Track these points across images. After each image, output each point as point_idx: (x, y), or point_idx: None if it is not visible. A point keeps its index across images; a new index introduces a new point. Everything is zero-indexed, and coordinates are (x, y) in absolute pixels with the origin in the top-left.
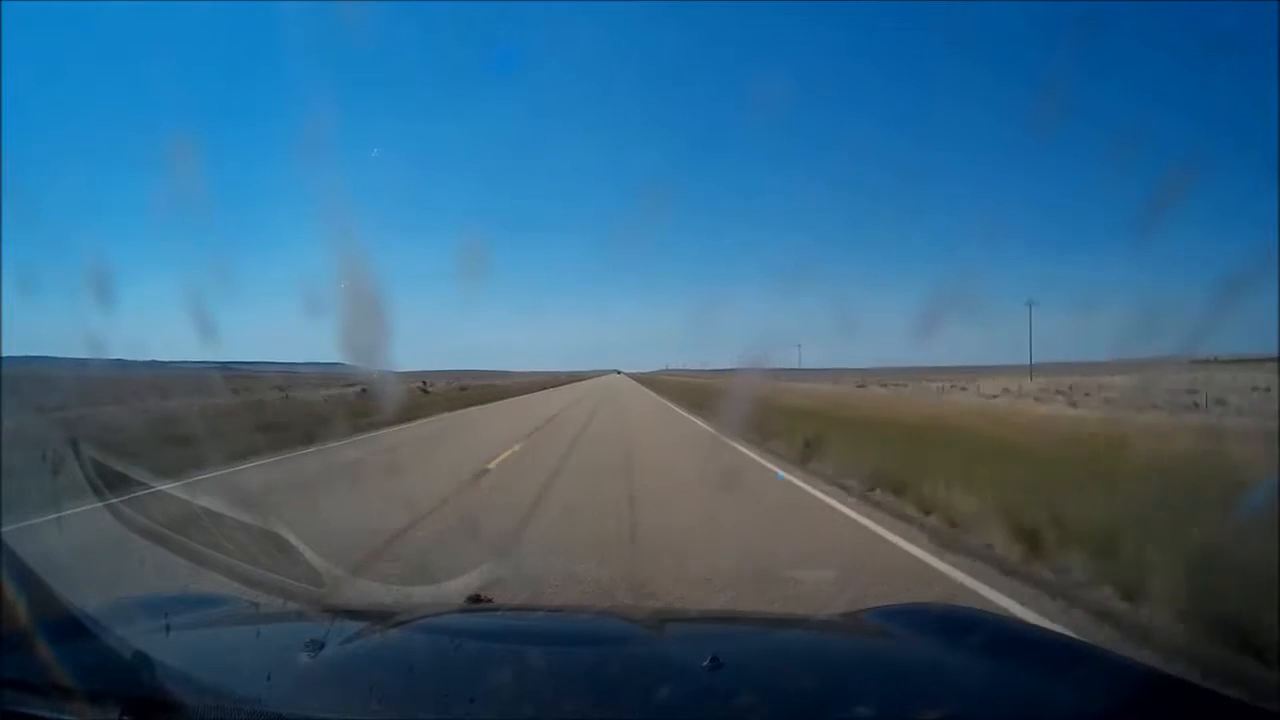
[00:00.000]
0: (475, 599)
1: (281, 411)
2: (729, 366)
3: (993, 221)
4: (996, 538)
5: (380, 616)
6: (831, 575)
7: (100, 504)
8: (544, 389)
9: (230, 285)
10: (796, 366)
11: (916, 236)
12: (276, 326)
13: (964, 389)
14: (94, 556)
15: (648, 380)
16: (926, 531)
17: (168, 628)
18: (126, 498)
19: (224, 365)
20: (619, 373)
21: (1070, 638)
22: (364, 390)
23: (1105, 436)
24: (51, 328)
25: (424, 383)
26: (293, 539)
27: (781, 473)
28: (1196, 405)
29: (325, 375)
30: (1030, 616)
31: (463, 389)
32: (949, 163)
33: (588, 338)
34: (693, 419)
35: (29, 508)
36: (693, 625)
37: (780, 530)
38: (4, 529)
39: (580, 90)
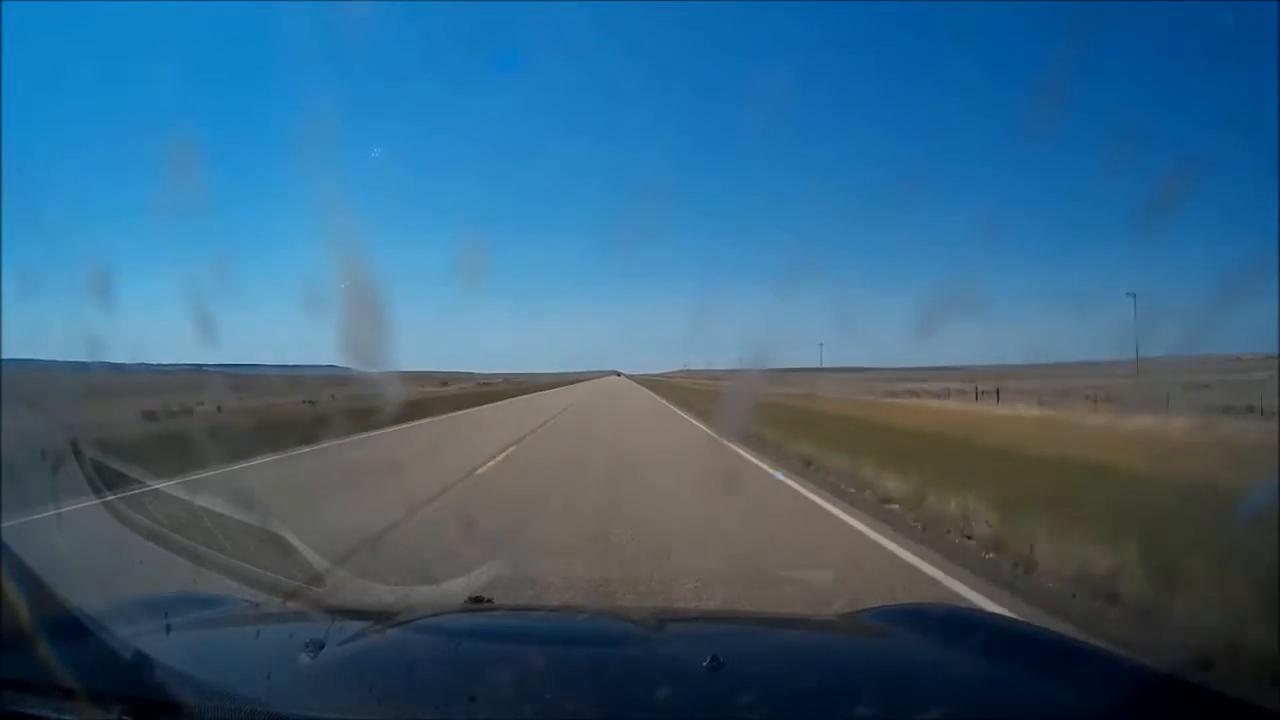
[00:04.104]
0: (475, 599)
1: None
2: (750, 368)
3: (992, 221)
4: None
5: (380, 616)
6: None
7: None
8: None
9: (229, 286)
10: (815, 366)
11: (915, 236)
12: (274, 329)
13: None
14: (94, 555)
15: (664, 386)
16: None
17: (168, 628)
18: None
19: (222, 367)
20: (618, 374)
21: (1070, 638)
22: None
23: None
24: (51, 329)
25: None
26: (292, 538)
27: None
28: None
29: (323, 377)
30: None
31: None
32: (949, 162)
33: (590, 339)
34: None
35: (33, 505)
36: (693, 625)
37: None
38: (4, 526)
39: (581, 89)
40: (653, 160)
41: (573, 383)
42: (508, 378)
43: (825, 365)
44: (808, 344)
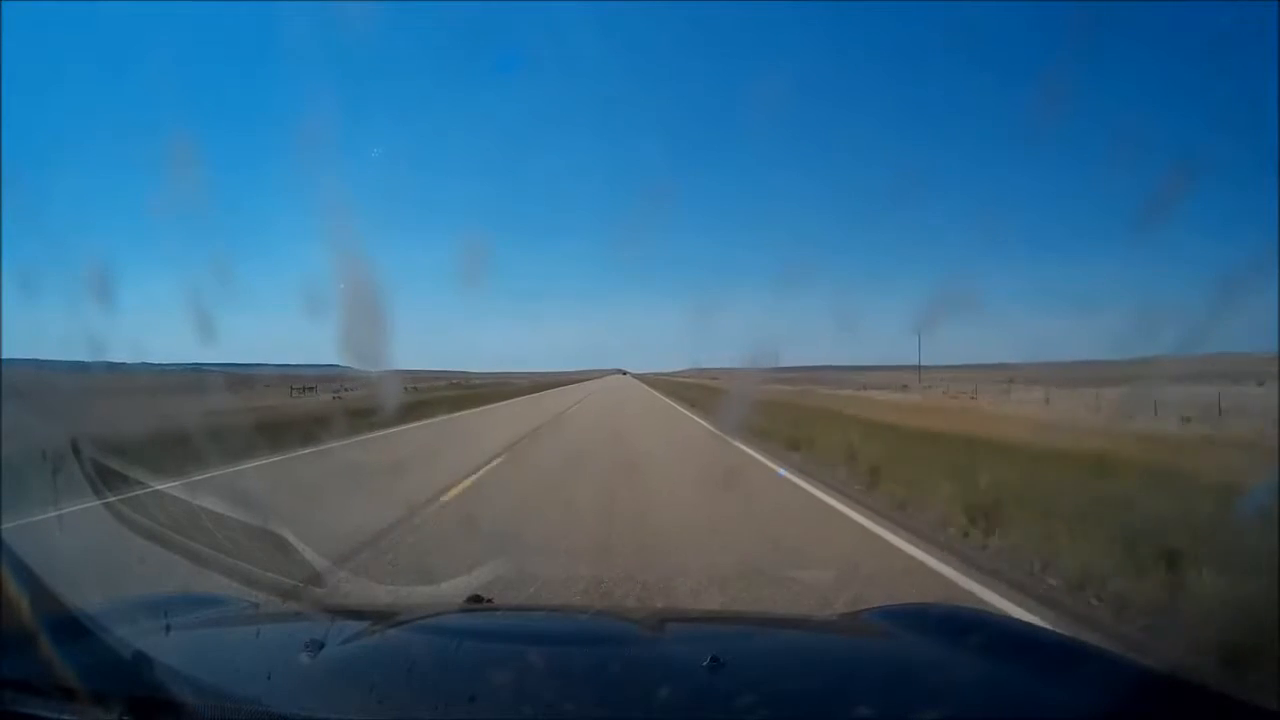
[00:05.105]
0: (475, 599)
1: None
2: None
3: (993, 221)
4: None
5: (380, 616)
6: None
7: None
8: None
9: (228, 286)
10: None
11: (918, 235)
12: (273, 328)
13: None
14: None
15: (688, 390)
16: None
17: (168, 628)
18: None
19: (222, 367)
20: (624, 373)
21: (1070, 638)
22: None
23: None
24: (52, 329)
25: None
26: (291, 538)
27: None
28: None
29: (324, 377)
30: None
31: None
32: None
33: (594, 337)
34: None
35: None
36: (693, 625)
37: None
38: (4, 527)
39: (584, 88)
40: (657, 157)
41: (570, 383)
42: (460, 378)
43: (814, 365)
44: (821, 341)
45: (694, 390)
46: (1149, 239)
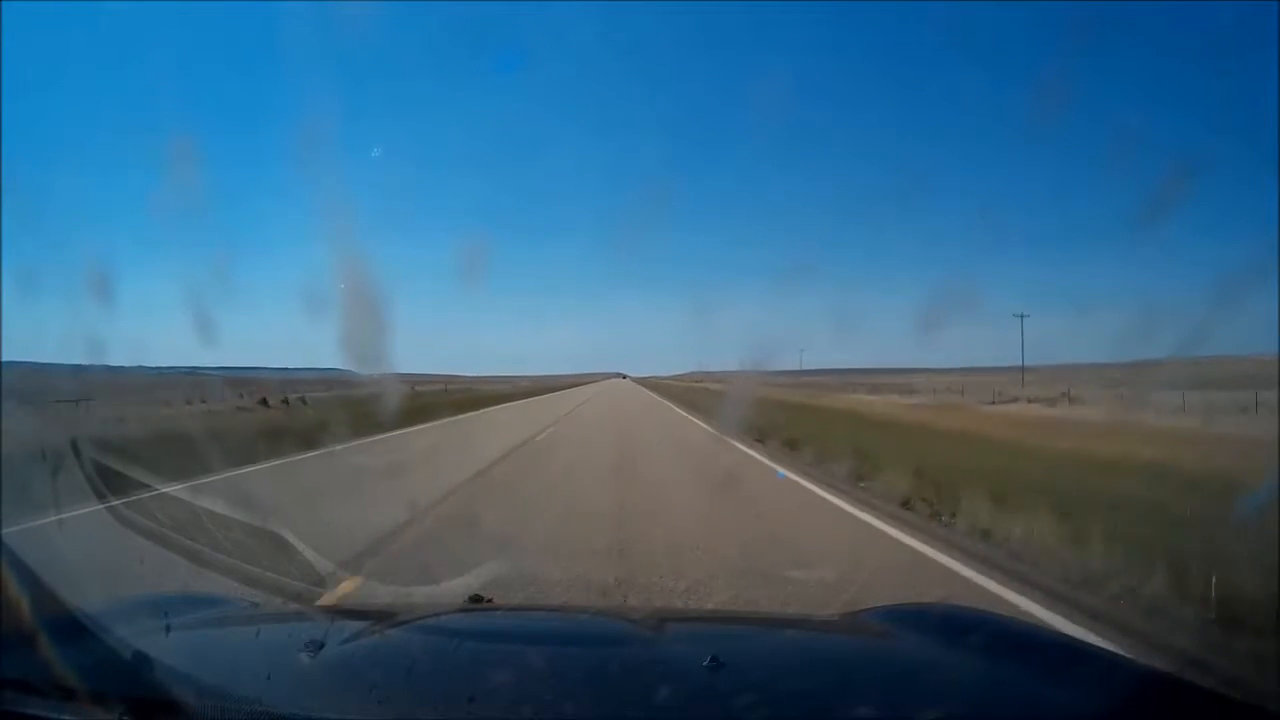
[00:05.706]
0: (475, 599)
1: None
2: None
3: (992, 222)
4: None
5: (380, 616)
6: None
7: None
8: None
9: (228, 288)
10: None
11: (917, 237)
12: (273, 330)
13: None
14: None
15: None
16: None
17: (168, 628)
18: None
19: (220, 370)
20: (624, 376)
21: (1070, 638)
22: None
23: None
24: (51, 329)
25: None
26: (291, 538)
27: None
28: None
29: (324, 380)
30: None
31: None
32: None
33: (594, 340)
34: None
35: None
36: (693, 625)
37: None
38: (4, 530)
39: (585, 88)
40: (658, 157)
41: (562, 388)
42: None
43: (817, 367)
44: (826, 344)
45: (722, 402)
46: (1149, 239)
